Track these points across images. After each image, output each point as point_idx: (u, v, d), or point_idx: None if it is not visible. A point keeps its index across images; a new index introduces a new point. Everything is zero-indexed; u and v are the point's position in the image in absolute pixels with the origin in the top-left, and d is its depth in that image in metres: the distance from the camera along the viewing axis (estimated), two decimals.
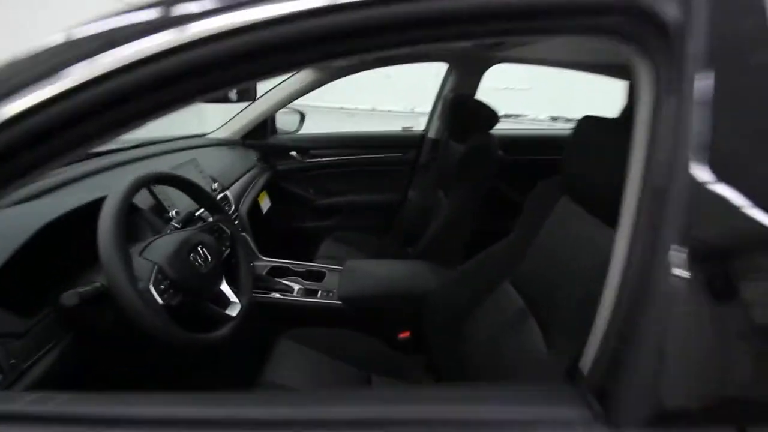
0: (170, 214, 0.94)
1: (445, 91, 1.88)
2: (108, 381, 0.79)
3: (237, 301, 0.84)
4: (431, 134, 2.00)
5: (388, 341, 1.13)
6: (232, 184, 1.41)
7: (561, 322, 0.67)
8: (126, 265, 0.60)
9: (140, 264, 0.68)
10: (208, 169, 1.31)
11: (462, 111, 1.49)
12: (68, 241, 0.71)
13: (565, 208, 0.78)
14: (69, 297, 0.59)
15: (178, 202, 1.01)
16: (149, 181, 0.72)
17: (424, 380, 1.04)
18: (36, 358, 0.59)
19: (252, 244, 1.34)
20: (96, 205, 0.68)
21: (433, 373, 1.06)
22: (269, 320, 1.16)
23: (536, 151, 1.92)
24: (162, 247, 0.72)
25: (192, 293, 0.73)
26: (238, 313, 0.82)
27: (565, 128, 2.25)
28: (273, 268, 1.31)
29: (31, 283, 0.64)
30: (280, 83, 1.71)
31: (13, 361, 0.55)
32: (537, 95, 3.86)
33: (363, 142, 2.04)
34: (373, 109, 4.45)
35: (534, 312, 0.77)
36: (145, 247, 0.73)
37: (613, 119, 0.68)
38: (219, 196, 1.26)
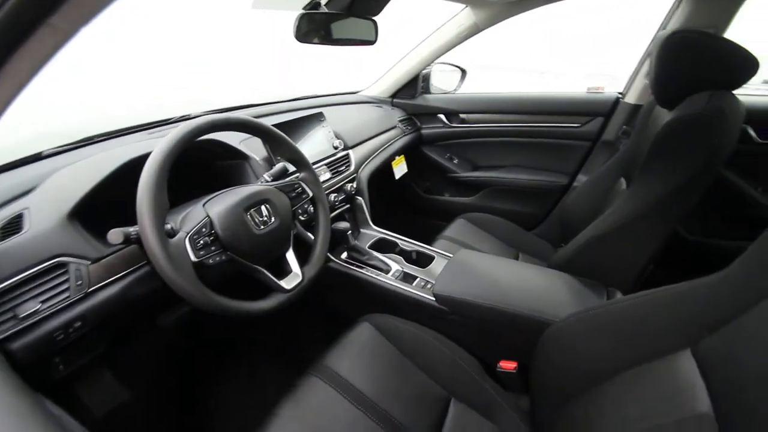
0: (275, 167, 0.90)
1: (666, 28, 1.25)
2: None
3: (298, 273, 0.74)
4: (630, 98, 1.42)
5: (483, 363, 0.87)
6: (360, 143, 1.33)
7: None
8: (155, 210, 0.56)
9: (195, 214, 0.65)
10: (337, 125, 1.26)
11: (687, 54, 0.85)
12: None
13: None
14: (115, 234, 0.58)
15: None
16: (201, 130, 0.65)
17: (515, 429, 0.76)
18: (102, 284, 0.63)
19: (366, 211, 1.25)
20: None
21: (531, 425, 0.76)
22: (355, 297, 1.05)
23: None
24: (222, 200, 0.68)
25: (240, 254, 0.66)
26: (296, 287, 0.72)
27: None
28: (380, 240, 1.20)
29: (116, 215, 0.68)
30: (430, 35, 1.49)
31: (79, 282, 0.60)
32: None
33: (528, 106, 1.62)
34: (589, 74, 3.64)
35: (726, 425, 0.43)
36: (213, 197, 0.70)
37: None
38: (339, 155, 1.19)
